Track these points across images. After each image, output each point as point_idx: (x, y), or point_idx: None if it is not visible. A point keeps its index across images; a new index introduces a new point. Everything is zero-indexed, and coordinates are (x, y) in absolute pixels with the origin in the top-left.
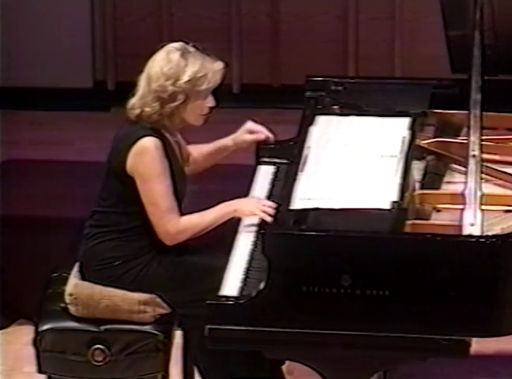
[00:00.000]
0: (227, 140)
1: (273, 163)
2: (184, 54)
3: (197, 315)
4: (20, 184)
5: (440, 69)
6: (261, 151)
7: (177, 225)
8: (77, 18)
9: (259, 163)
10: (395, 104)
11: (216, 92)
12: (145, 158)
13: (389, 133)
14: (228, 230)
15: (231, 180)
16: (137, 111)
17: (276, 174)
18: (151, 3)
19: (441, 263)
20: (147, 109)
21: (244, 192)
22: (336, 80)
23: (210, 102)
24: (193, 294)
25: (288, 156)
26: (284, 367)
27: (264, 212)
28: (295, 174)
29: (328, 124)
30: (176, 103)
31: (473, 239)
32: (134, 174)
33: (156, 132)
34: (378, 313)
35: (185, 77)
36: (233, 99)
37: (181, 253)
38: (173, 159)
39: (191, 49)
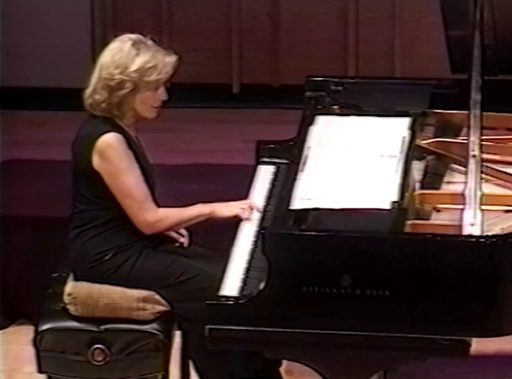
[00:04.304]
0: None
1: (273, 163)
2: (136, 44)
3: (192, 315)
4: (20, 184)
5: (440, 69)
6: (261, 151)
7: (155, 214)
8: (77, 18)
9: (259, 163)
10: (395, 104)
11: (170, 88)
12: (110, 154)
13: (389, 133)
14: (226, 233)
15: (231, 180)
16: (90, 101)
17: (276, 174)
18: (151, 3)
19: (441, 263)
20: (96, 96)
21: (244, 192)
22: (336, 80)
23: (162, 95)
24: (186, 292)
25: (288, 156)
26: (283, 367)
27: (242, 209)
28: (295, 174)
29: (328, 124)
30: (124, 92)
31: (473, 239)
32: (102, 173)
33: (115, 126)
34: (378, 313)
35: (133, 66)
36: (233, 99)
37: (173, 251)
38: (137, 151)
39: (148, 41)
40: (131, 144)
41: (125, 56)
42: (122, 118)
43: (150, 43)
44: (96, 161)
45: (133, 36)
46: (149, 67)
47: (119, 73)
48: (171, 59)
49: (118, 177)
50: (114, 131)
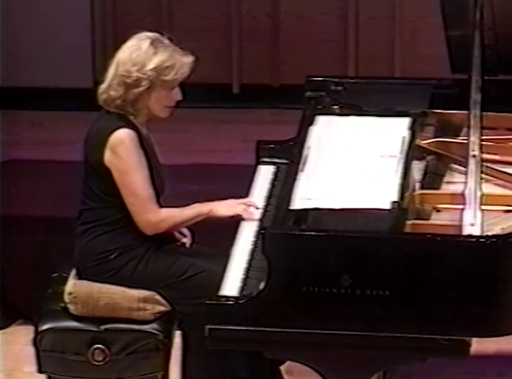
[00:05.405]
0: None
1: (273, 163)
2: (154, 43)
3: (195, 313)
4: (20, 184)
5: (440, 69)
6: (261, 151)
7: (158, 214)
8: (77, 18)
9: (259, 163)
10: (395, 104)
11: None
12: (121, 150)
13: (389, 133)
14: (227, 232)
15: (231, 180)
16: (104, 96)
17: (276, 174)
18: (151, 3)
19: (441, 263)
20: (112, 93)
21: (244, 192)
22: (336, 80)
23: (177, 94)
24: (190, 290)
25: (288, 156)
26: (283, 367)
27: (242, 207)
28: (295, 174)
29: (328, 124)
30: (140, 89)
31: (473, 239)
32: (112, 168)
33: (128, 123)
34: (378, 313)
35: (151, 65)
36: (233, 99)
37: (177, 250)
38: (148, 150)
39: (165, 41)
40: (143, 142)
41: (143, 54)
42: (135, 115)
43: (167, 42)
44: (107, 157)
45: (151, 35)
46: (167, 66)
47: (136, 70)
48: (189, 60)
49: (126, 173)
50: (128, 127)
